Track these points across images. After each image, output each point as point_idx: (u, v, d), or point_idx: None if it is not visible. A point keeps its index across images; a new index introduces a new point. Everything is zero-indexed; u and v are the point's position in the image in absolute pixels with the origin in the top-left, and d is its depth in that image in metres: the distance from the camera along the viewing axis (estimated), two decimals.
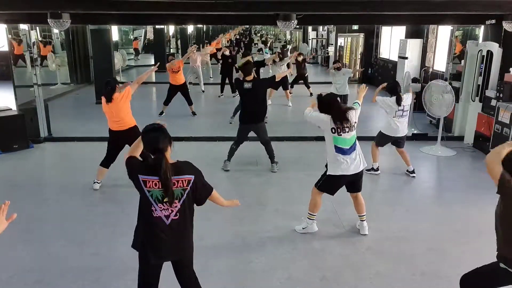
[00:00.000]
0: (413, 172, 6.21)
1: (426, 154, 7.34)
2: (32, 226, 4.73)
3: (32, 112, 7.92)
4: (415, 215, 5.04)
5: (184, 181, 2.63)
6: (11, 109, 7.86)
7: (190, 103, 10.19)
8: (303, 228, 4.54)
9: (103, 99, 5.41)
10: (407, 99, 6.07)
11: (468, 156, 7.31)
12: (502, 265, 2.61)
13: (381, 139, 6.20)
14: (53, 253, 4.17)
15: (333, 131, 4.15)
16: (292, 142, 8.04)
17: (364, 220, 4.52)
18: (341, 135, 4.13)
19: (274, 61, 11.46)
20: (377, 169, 6.27)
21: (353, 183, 4.35)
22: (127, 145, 5.30)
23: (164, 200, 2.59)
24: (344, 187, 4.42)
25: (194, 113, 10.25)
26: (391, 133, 6.06)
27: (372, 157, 6.22)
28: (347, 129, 4.13)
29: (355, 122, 4.22)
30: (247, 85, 6.15)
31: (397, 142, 6.16)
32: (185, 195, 2.64)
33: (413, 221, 4.87)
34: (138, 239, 2.77)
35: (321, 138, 8.02)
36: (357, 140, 4.27)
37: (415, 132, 8.46)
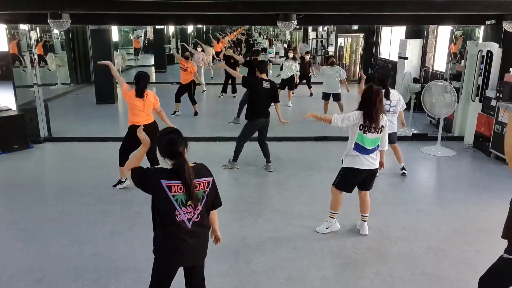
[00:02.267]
0: (403, 169, 6.23)
1: (426, 154, 7.34)
2: (32, 226, 4.73)
3: (32, 112, 7.92)
4: (415, 215, 5.04)
5: (204, 183, 2.67)
6: (11, 109, 7.86)
7: (193, 102, 10.23)
8: (326, 228, 4.53)
9: (133, 93, 5.36)
10: (394, 94, 5.89)
11: (468, 156, 7.31)
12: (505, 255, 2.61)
13: None
14: (53, 253, 4.16)
15: (361, 128, 4.14)
16: (292, 142, 8.04)
17: (366, 221, 4.52)
18: (366, 133, 4.14)
19: (287, 57, 11.44)
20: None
21: (365, 180, 4.37)
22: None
23: (188, 204, 2.59)
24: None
25: (195, 113, 10.27)
26: None
27: None
28: (373, 129, 4.14)
29: (383, 126, 4.19)
30: (266, 85, 6.18)
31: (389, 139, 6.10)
32: (206, 197, 2.67)
33: (413, 221, 4.87)
34: (160, 246, 2.72)
35: (321, 138, 8.14)
36: (381, 145, 4.30)
37: (415, 132, 8.47)
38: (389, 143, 6.10)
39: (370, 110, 4.08)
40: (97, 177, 6.20)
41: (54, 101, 11.66)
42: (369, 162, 4.23)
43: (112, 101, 11.62)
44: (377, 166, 4.31)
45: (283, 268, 3.90)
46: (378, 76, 6.22)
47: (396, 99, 5.92)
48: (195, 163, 2.72)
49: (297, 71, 11.48)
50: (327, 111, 9.73)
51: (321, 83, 10.92)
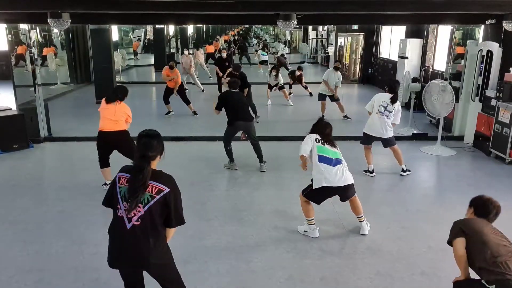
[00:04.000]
0: (405, 170, 6.25)
1: (426, 154, 7.34)
2: (32, 226, 4.73)
3: (32, 112, 7.92)
4: (415, 215, 5.04)
5: (155, 188, 2.56)
6: (11, 109, 7.86)
7: (187, 102, 10.19)
8: (304, 231, 4.54)
9: (104, 100, 5.52)
10: (397, 104, 6.02)
11: (468, 156, 7.31)
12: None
13: (363, 138, 6.29)
14: (53, 253, 4.17)
15: (317, 140, 4.31)
16: (292, 142, 8.02)
17: (363, 221, 4.52)
18: (324, 145, 4.28)
19: (270, 72, 11.60)
20: (372, 171, 6.27)
21: (341, 195, 4.39)
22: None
23: (128, 200, 2.53)
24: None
25: (195, 113, 10.21)
26: (371, 132, 6.11)
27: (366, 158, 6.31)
28: (329, 143, 4.33)
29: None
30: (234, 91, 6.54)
31: (385, 142, 6.16)
32: (152, 203, 2.54)
33: (413, 221, 4.87)
34: (109, 238, 2.72)
35: None
36: (343, 160, 4.35)
37: (415, 132, 8.47)
38: (388, 146, 6.14)
39: (321, 134, 4.37)
40: (97, 177, 6.17)
41: (54, 101, 11.66)
42: (338, 176, 4.21)
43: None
44: (349, 182, 4.28)
45: (283, 268, 3.90)
46: (388, 81, 6.30)
47: (396, 109, 6.01)
48: (160, 170, 2.67)
49: (279, 84, 11.63)
50: (325, 110, 9.78)
51: (316, 82, 10.97)
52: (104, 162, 5.66)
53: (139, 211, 2.54)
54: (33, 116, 7.88)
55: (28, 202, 5.38)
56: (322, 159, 4.23)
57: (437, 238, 4.48)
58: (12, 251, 4.20)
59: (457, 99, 8.11)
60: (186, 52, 13.67)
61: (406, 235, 4.55)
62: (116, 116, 5.45)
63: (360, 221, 4.52)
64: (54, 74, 14.14)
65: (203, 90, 13.66)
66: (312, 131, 4.45)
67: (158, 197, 2.55)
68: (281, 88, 11.64)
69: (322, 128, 4.42)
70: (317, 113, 10.69)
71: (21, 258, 4.09)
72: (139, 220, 2.55)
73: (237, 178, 6.23)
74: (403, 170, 6.23)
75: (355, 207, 4.48)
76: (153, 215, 2.56)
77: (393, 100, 5.94)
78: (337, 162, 4.26)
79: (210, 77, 16.45)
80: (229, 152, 6.49)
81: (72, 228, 4.67)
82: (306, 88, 12.87)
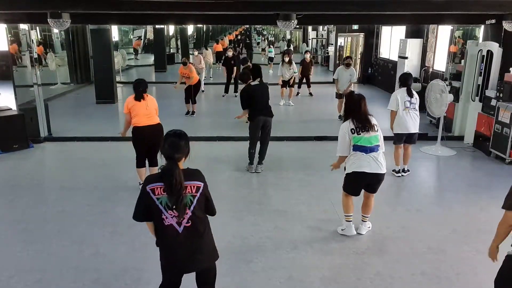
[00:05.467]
0: (403, 171, 6.24)
1: (426, 153, 7.34)
2: (32, 226, 4.72)
3: (32, 112, 7.92)
4: (415, 215, 5.04)
5: (193, 186, 2.57)
6: (11, 109, 7.86)
7: (193, 102, 10.28)
8: (341, 230, 4.51)
9: (131, 98, 5.45)
10: (415, 94, 6.10)
11: (468, 156, 7.31)
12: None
13: (396, 138, 6.19)
14: (53, 253, 4.16)
15: (353, 131, 4.16)
16: (292, 142, 8.03)
17: (366, 221, 4.52)
18: (360, 134, 4.13)
19: (283, 61, 11.42)
20: (399, 171, 6.20)
21: (370, 184, 4.31)
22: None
23: (174, 207, 2.51)
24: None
25: (193, 113, 10.28)
26: (404, 130, 6.04)
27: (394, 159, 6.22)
28: (367, 128, 4.14)
29: (376, 125, 4.21)
30: (255, 82, 6.33)
31: (413, 138, 6.16)
32: (195, 202, 2.57)
33: (413, 221, 4.87)
34: (160, 253, 2.71)
35: (321, 138, 8.13)
36: (380, 145, 4.21)
37: None
38: (412, 142, 6.16)
39: (356, 114, 4.16)
40: (97, 177, 6.20)
41: (54, 101, 11.65)
42: (369, 163, 4.13)
43: (112, 101, 11.62)
44: (382, 171, 4.18)
45: (283, 268, 3.90)
46: (401, 76, 6.32)
47: (419, 99, 6.10)
48: (188, 167, 2.65)
49: (295, 72, 11.50)
50: (342, 109, 9.87)
51: (319, 82, 10.98)
52: (141, 162, 5.57)
53: (187, 214, 2.55)
54: (33, 116, 7.88)
55: (28, 202, 5.38)
56: (357, 148, 4.15)
57: (437, 238, 4.48)
58: (12, 251, 4.20)
59: (457, 99, 8.12)
60: (196, 52, 13.89)
61: (406, 235, 4.55)
62: (149, 110, 5.45)
63: (363, 220, 4.52)
64: (54, 74, 14.13)
65: (203, 91, 13.69)
66: (346, 115, 4.28)
67: (198, 194, 2.58)
68: (293, 84, 11.50)
69: (356, 105, 4.18)
70: (318, 113, 10.74)
71: (21, 258, 4.09)
72: (189, 221, 2.57)
73: (238, 178, 6.22)
74: (403, 171, 6.23)
75: (367, 206, 4.47)
76: (199, 212, 2.61)
77: (409, 93, 5.98)
78: (373, 149, 4.14)
79: (210, 77, 16.48)
80: (251, 156, 6.36)
81: (72, 228, 4.67)
82: (309, 86, 12.89)
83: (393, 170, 6.20)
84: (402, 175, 6.19)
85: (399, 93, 6.04)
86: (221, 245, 3.74)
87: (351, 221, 4.45)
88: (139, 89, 5.43)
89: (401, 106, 6.00)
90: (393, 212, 5.11)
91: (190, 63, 10.39)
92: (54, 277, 3.77)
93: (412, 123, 6.05)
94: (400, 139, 6.15)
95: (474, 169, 6.79)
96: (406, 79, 6.12)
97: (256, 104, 6.16)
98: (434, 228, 4.68)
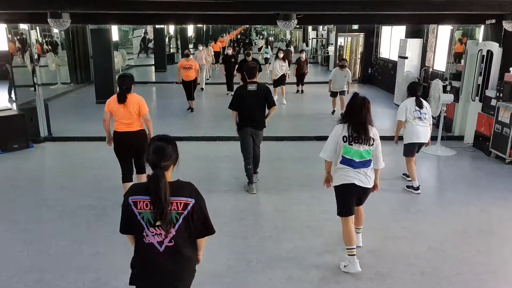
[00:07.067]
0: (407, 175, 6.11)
1: (426, 153, 7.33)
2: (32, 226, 4.73)
3: (32, 112, 7.92)
4: (415, 215, 5.04)
5: (180, 204, 2.28)
6: (11, 109, 7.86)
7: (192, 98, 10.41)
8: (344, 266, 3.89)
9: (114, 98, 4.84)
10: (426, 104, 5.70)
11: (468, 156, 7.31)
12: None
13: (407, 150, 5.73)
14: (53, 253, 4.17)
15: (345, 139, 3.72)
16: (292, 141, 8.03)
17: (359, 233, 4.30)
18: (352, 145, 3.70)
19: (277, 56, 11.70)
20: (418, 188, 5.65)
21: (358, 196, 3.91)
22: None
23: (157, 224, 2.26)
24: None
25: (192, 109, 10.37)
26: (416, 139, 5.62)
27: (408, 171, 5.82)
28: (360, 140, 3.69)
29: (372, 138, 3.73)
30: (251, 87, 5.48)
31: (418, 148, 5.80)
32: (181, 220, 2.29)
33: (413, 221, 4.87)
34: (132, 271, 2.44)
35: (321, 138, 8.11)
36: (375, 161, 3.83)
37: None
38: (419, 150, 5.81)
39: (354, 119, 3.70)
40: (97, 177, 6.20)
41: (54, 101, 11.65)
42: (359, 177, 3.73)
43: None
44: (370, 185, 3.81)
45: (283, 268, 3.90)
46: (409, 85, 5.90)
47: (429, 109, 5.71)
48: (178, 179, 2.38)
49: (288, 71, 11.70)
50: (336, 106, 10.11)
51: (319, 82, 11.00)
52: (126, 174, 5.03)
53: (170, 232, 2.29)
54: (33, 116, 7.88)
55: (28, 202, 5.38)
56: (345, 161, 3.74)
57: (437, 238, 4.48)
58: (12, 251, 4.20)
59: (457, 99, 8.11)
60: (200, 47, 14.11)
61: (406, 235, 4.55)
62: (128, 115, 4.83)
63: (357, 232, 4.24)
64: (54, 74, 14.13)
65: (202, 89, 13.69)
66: (344, 117, 3.82)
67: (185, 212, 2.29)
68: (284, 81, 11.58)
69: (357, 110, 3.68)
70: (311, 113, 10.75)
71: (21, 258, 4.09)
72: (172, 241, 2.30)
73: (237, 179, 6.21)
74: (406, 174, 6.14)
75: (358, 217, 4.14)
76: (185, 232, 2.33)
77: (418, 103, 5.58)
78: (363, 164, 3.72)
79: (209, 77, 16.47)
80: (248, 172, 5.68)
81: (72, 228, 4.67)
82: (302, 84, 13.03)
83: (407, 187, 5.75)
84: (419, 193, 5.66)
85: (408, 103, 5.65)
86: (221, 245, 3.79)
87: (354, 255, 3.81)
88: (122, 87, 4.78)
89: (410, 116, 5.59)
90: (393, 212, 5.11)
91: (192, 53, 10.51)
92: (54, 277, 3.77)
93: (425, 133, 5.61)
94: (412, 151, 5.69)
95: (474, 169, 6.79)
96: (414, 89, 5.71)
97: (246, 113, 5.51)
98: (434, 228, 4.68)
